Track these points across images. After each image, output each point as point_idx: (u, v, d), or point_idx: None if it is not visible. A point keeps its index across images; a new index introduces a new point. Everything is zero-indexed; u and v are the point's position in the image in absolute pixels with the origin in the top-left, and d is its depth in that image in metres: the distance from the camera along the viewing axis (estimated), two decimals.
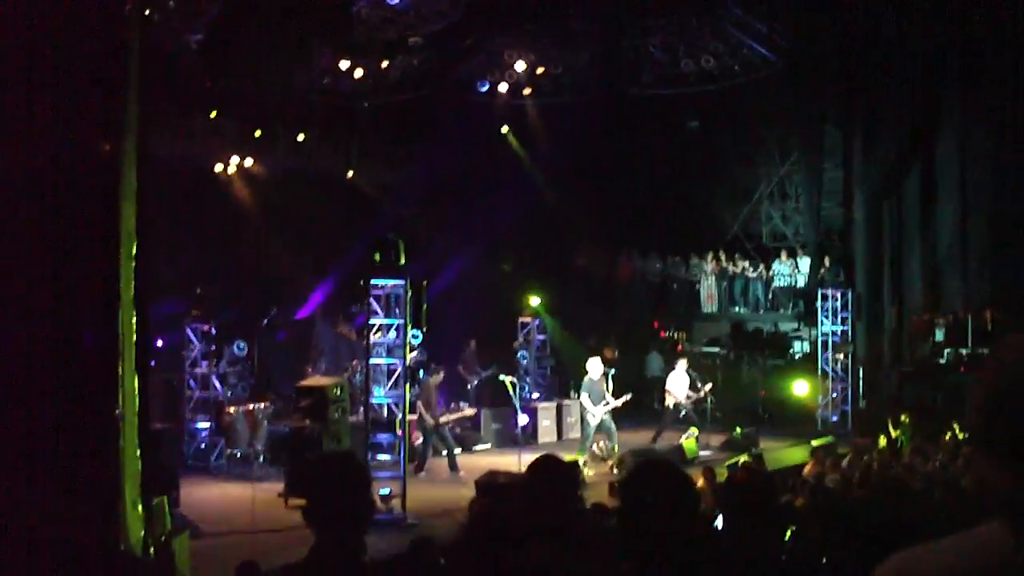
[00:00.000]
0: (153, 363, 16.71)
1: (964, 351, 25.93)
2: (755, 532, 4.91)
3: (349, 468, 4.43)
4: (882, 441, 19.05)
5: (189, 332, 21.42)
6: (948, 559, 2.19)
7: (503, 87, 27.08)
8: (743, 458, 18.66)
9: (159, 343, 21.00)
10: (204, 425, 20.90)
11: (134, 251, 12.72)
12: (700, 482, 14.76)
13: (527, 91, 27.53)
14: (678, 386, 22.95)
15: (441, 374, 20.95)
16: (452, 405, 22.62)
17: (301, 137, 26.76)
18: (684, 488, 4.02)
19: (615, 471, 19.35)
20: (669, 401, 22.95)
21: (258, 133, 25.64)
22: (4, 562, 2.02)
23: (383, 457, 17.23)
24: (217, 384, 21.42)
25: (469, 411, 22.90)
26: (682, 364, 23.53)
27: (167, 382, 21.08)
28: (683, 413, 22.74)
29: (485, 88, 27.06)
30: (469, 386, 24.89)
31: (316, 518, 4.24)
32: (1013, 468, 2.09)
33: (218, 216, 25.89)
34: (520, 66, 26.74)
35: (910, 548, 2.29)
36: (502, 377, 22.73)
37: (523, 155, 30.03)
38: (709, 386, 23.55)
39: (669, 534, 3.79)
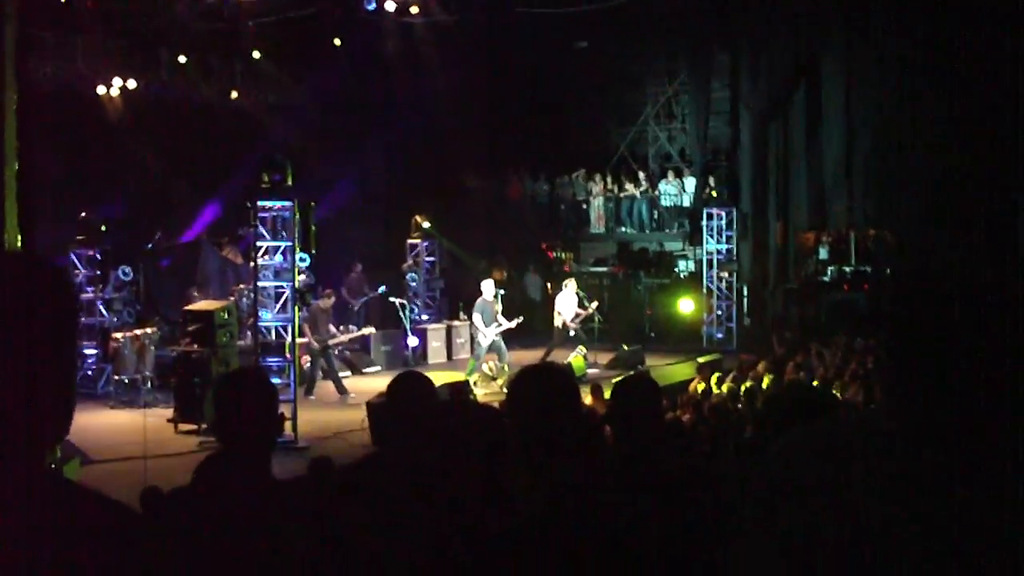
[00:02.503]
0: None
1: (847, 268, 26.47)
2: (643, 441, 5.00)
3: (261, 384, 4.44)
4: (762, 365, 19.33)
5: (73, 257, 21.13)
6: (835, 431, 2.33)
7: (390, 5, 26.73)
8: (629, 375, 18.90)
9: None
10: (90, 352, 20.66)
11: (15, 175, 12.50)
12: (588, 399, 14.98)
13: (414, 9, 27.19)
14: (567, 306, 23.11)
15: (332, 298, 20.89)
16: (341, 328, 22.59)
17: (183, 59, 26.28)
18: (567, 386, 4.10)
19: (505, 391, 19.52)
20: (558, 320, 23.11)
21: (140, 55, 25.15)
22: None
23: (273, 381, 17.16)
24: (103, 310, 21.17)
25: (367, 330, 22.89)
26: (571, 284, 23.68)
27: None
28: (572, 333, 22.92)
29: (372, 7, 26.68)
30: (355, 308, 24.81)
31: (226, 434, 4.25)
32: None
33: (101, 140, 25.38)
34: None
35: (801, 427, 2.45)
36: (392, 299, 22.78)
37: (403, 77, 29.79)
38: (595, 304, 23.73)
39: (556, 433, 3.87)
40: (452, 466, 4.51)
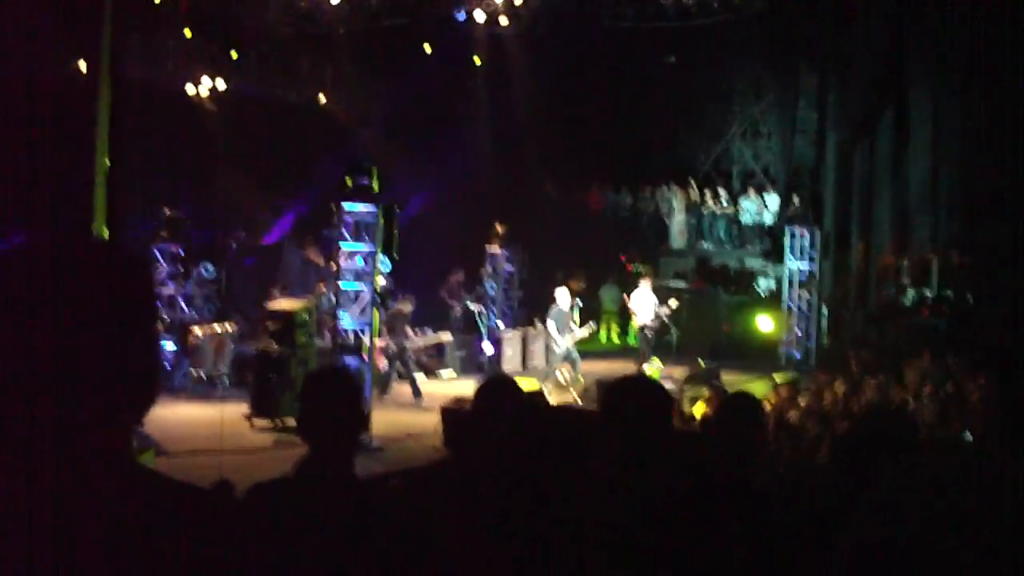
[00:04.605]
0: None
1: (928, 293, 26.15)
2: (741, 462, 5.00)
3: (347, 384, 4.47)
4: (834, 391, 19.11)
5: (157, 253, 21.36)
6: (944, 471, 2.24)
7: (480, 16, 26.82)
8: (705, 391, 18.80)
9: None
10: (170, 346, 20.88)
11: (106, 171, 12.70)
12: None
13: (504, 21, 27.27)
14: (643, 305, 23.05)
15: (410, 305, 20.99)
16: (417, 331, 22.67)
17: (273, 62, 26.55)
18: (662, 397, 4.11)
19: (579, 400, 19.48)
20: (635, 322, 23.06)
21: (234, 54, 25.41)
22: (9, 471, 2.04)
23: None
24: (183, 305, 21.40)
25: (443, 336, 22.98)
26: (645, 283, 23.66)
27: None
28: (649, 333, 22.89)
29: (463, 18, 26.80)
30: (457, 314, 24.94)
31: (310, 431, 4.28)
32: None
33: (189, 139, 25.70)
34: None
35: (901, 463, 2.35)
36: (470, 305, 22.85)
37: (490, 87, 29.88)
38: (674, 302, 23.61)
39: (649, 440, 3.87)
40: (537, 474, 4.51)
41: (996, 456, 2.26)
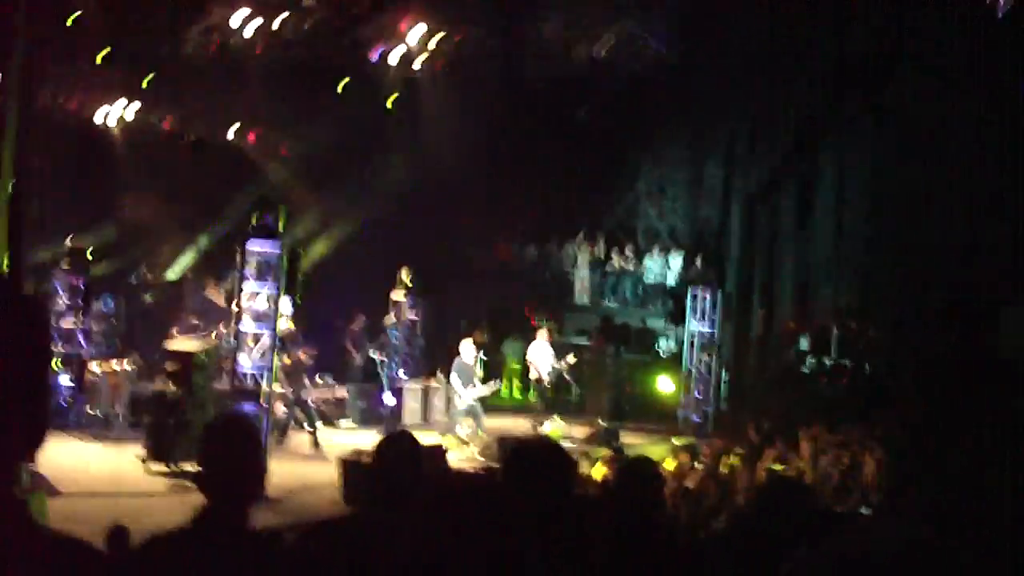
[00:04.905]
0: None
1: (827, 360, 26.46)
2: (644, 526, 5.06)
3: (246, 433, 4.38)
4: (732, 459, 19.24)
5: (56, 284, 20.98)
6: (873, 546, 2.24)
7: (395, 57, 26.81)
8: (604, 452, 18.82)
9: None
10: (65, 381, 20.49)
11: (8, 197, 12.47)
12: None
13: (418, 63, 27.29)
14: (540, 359, 23.07)
15: (311, 358, 20.73)
16: (318, 378, 22.49)
17: (185, 93, 26.32)
18: (564, 461, 4.09)
19: (479, 456, 19.40)
20: (533, 374, 23.07)
21: (145, 82, 25.14)
22: None
23: None
24: (82, 340, 21.02)
25: (340, 391, 22.85)
26: (542, 334, 23.75)
27: None
28: (547, 384, 22.94)
29: (377, 58, 26.76)
30: (357, 362, 24.74)
31: (209, 482, 4.17)
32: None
33: (96, 168, 25.39)
34: (414, 37, 26.47)
35: (832, 538, 2.34)
36: (371, 354, 22.72)
37: (403, 130, 29.88)
38: (572, 358, 23.68)
39: (553, 509, 3.85)
40: (442, 536, 4.45)
41: (896, 531, 2.27)
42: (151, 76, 25.20)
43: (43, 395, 2.18)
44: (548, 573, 3.87)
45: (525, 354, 24.67)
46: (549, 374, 23.05)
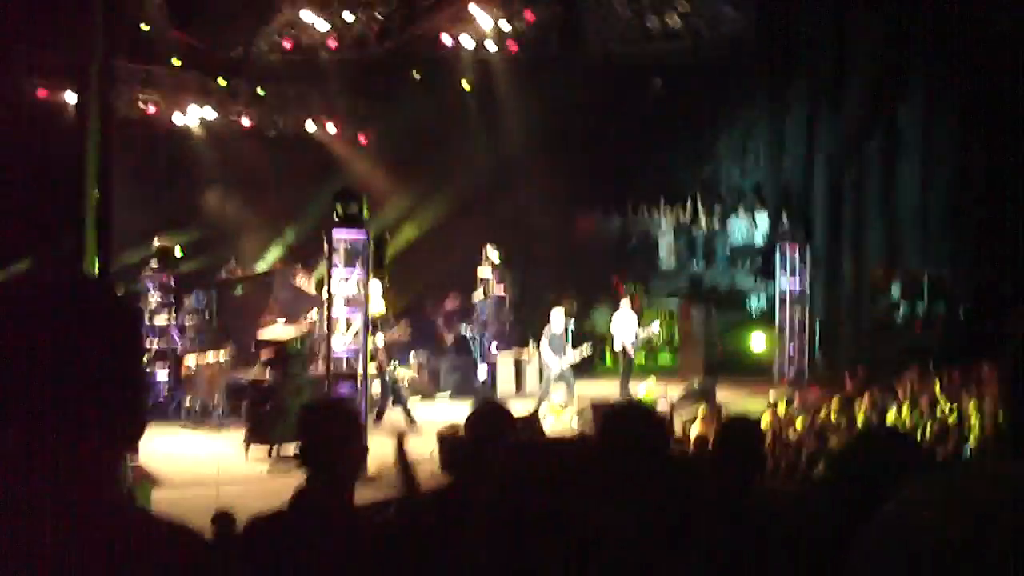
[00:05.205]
0: None
1: (920, 308, 26.20)
2: (743, 481, 5.08)
3: (347, 415, 4.46)
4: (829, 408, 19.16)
5: (148, 283, 21.32)
6: (976, 493, 2.16)
7: (467, 41, 26.89)
8: (701, 409, 18.80)
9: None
10: (163, 376, 20.84)
11: (96, 202, 12.69)
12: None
13: (491, 46, 27.33)
14: (623, 327, 23.02)
15: (400, 327, 20.90)
16: (411, 358, 22.66)
17: (261, 91, 26.57)
18: (659, 428, 4.12)
19: (575, 423, 19.43)
20: (617, 345, 23.03)
21: (222, 82, 25.40)
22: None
23: None
24: (175, 335, 21.34)
25: (432, 363, 23.01)
26: (625, 303, 23.70)
27: None
28: (632, 353, 22.91)
29: (450, 42, 26.86)
30: (449, 341, 24.85)
31: (311, 462, 4.26)
32: None
33: (178, 168, 25.76)
34: (484, 20, 26.51)
35: (919, 481, 2.25)
36: (463, 331, 22.84)
37: (479, 113, 29.98)
38: (656, 325, 23.64)
39: (647, 473, 3.88)
40: (533, 503, 4.49)
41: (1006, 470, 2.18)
42: (225, 77, 25.45)
43: (141, 391, 2.25)
44: (643, 538, 3.91)
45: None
46: (633, 344, 22.98)
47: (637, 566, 3.75)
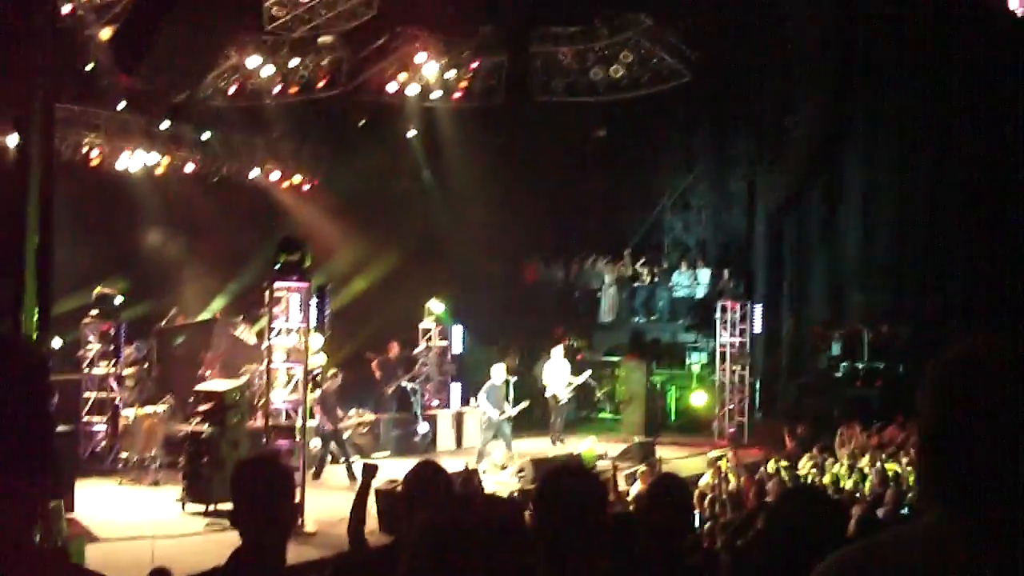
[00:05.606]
0: (51, 363, 16.43)
1: (860, 365, 26.40)
2: (675, 541, 5.12)
3: (279, 472, 4.42)
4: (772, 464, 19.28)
5: (87, 332, 21.11)
6: (893, 555, 2.24)
7: (413, 89, 26.97)
8: (641, 468, 18.81)
9: (56, 343, 20.53)
10: (100, 427, 20.59)
11: (36, 248, 12.56)
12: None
13: (436, 95, 27.46)
14: (555, 376, 23.00)
15: (339, 378, 20.72)
16: (349, 411, 22.50)
17: (206, 135, 26.47)
18: (597, 486, 4.12)
19: (515, 479, 19.35)
20: (548, 393, 22.99)
21: (165, 125, 25.26)
22: None
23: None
24: (114, 385, 21.10)
25: (368, 416, 22.84)
26: (557, 352, 23.78)
27: (63, 383, 20.59)
28: (564, 401, 22.94)
29: (395, 90, 26.94)
30: (388, 392, 24.62)
31: (242, 520, 4.22)
32: (960, 462, 2.20)
33: (121, 212, 25.56)
34: (430, 69, 26.63)
35: (848, 547, 2.34)
36: (404, 384, 22.75)
37: (424, 161, 30.09)
38: (587, 374, 23.70)
39: (584, 538, 3.88)
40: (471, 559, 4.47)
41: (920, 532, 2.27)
42: (170, 121, 25.34)
43: (45, 450, 2.24)
44: None
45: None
46: (566, 390, 23.05)
47: None
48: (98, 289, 21.50)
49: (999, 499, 2.17)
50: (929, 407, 2.29)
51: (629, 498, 16.11)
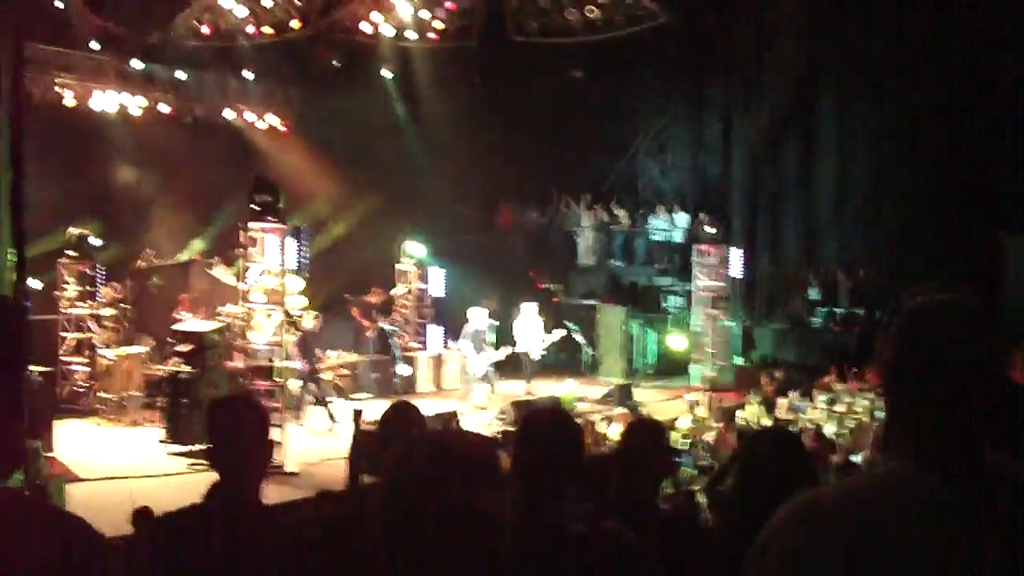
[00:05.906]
0: (28, 303, 16.38)
1: (837, 310, 26.49)
2: (648, 486, 5.17)
3: (253, 411, 4.43)
4: (752, 400, 19.39)
5: (64, 272, 21.05)
6: (855, 494, 2.31)
7: (387, 29, 26.75)
8: (619, 410, 18.91)
9: (36, 284, 20.43)
10: (79, 368, 20.57)
11: (9, 188, 12.47)
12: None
13: (411, 35, 27.25)
14: (527, 333, 22.81)
15: (320, 320, 20.68)
16: (329, 353, 22.51)
17: (180, 75, 26.29)
18: (573, 436, 4.14)
19: (496, 421, 19.41)
20: (519, 348, 22.88)
21: (139, 65, 25.08)
22: None
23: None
24: (92, 326, 21.07)
25: (348, 358, 22.84)
26: (530, 307, 23.35)
27: (40, 323, 20.52)
28: (537, 357, 22.83)
29: (369, 31, 26.72)
30: (371, 336, 24.56)
31: (218, 458, 4.24)
32: (914, 396, 2.28)
33: (95, 154, 25.38)
34: (404, 9, 26.41)
35: (814, 488, 2.43)
36: (384, 326, 22.73)
37: (400, 102, 29.92)
38: (560, 331, 23.47)
39: (559, 481, 3.91)
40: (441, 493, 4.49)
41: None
42: (143, 63, 25.17)
43: (18, 392, 2.25)
44: (556, 538, 3.93)
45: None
46: (540, 347, 22.83)
47: (538, 561, 3.77)
48: (72, 230, 21.40)
49: (954, 442, 2.24)
50: (890, 356, 2.39)
51: (607, 441, 16.22)
